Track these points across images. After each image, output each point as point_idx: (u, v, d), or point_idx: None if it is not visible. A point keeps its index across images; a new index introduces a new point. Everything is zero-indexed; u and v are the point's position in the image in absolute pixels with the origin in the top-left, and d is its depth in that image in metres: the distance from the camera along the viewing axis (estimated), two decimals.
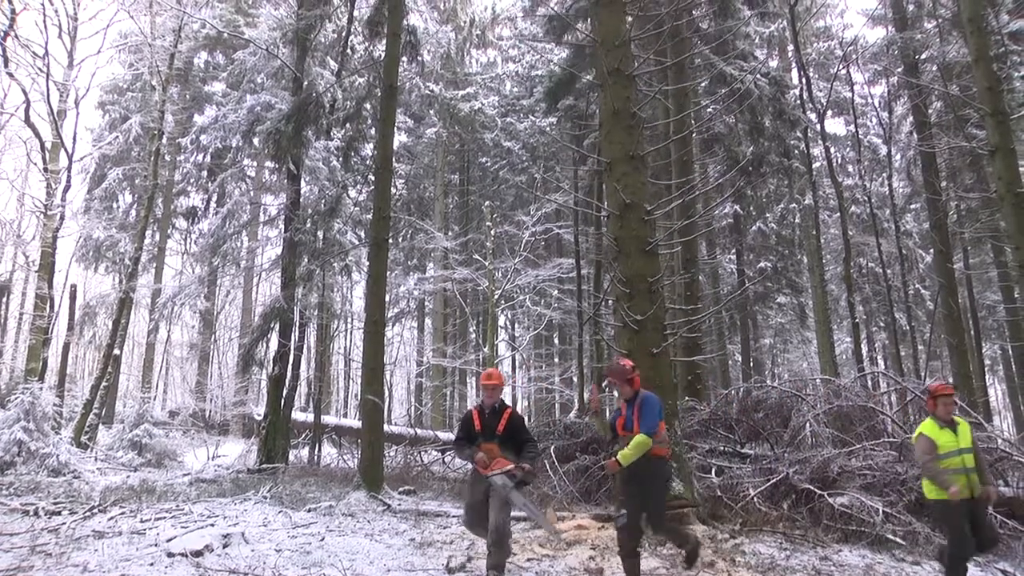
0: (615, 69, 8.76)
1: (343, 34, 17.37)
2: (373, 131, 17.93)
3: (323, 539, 7.49)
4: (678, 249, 13.65)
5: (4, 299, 30.46)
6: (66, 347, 19.14)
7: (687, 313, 13.21)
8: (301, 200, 16.32)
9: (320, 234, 16.18)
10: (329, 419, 19.04)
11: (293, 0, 17.11)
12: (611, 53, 8.86)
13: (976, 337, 22.37)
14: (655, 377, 8.11)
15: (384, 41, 13.60)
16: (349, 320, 30.92)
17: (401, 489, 11.41)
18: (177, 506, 9.34)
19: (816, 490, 7.90)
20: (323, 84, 16.49)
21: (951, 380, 20.69)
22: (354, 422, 17.95)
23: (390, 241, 12.20)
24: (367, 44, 17.78)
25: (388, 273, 13.60)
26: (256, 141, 17.73)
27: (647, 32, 10.81)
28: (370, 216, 13.97)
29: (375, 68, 16.66)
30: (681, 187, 12.94)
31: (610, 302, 10.05)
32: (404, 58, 15.57)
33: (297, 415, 17.14)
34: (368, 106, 17.64)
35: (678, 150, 14.68)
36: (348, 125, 17.23)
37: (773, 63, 23.49)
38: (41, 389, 13.57)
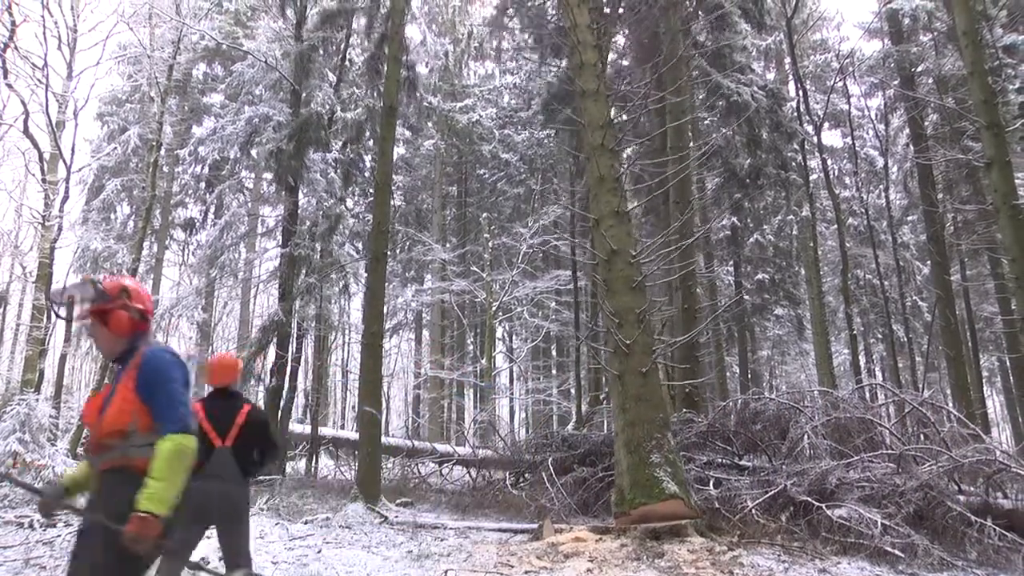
0: (600, 144, 9.79)
1: (341, 46, 17.44)
2: (372, 142, 17.98)
3: (320, 551, 7.46)
4: (676, 280, 13.77)
5: (1, 310, 30.40)
6: (63, 358, 19.06)
7: (685, 330, 13.34)
8: (299, 212, 16.34)
9: (318, 246, 16.20)
10: (326, 431, 18.96)
11: (291, 13, 17.16)
12: (596, 132, 9.89)
13: (974, 349, 22.38)
14: (646, 393, 8.53)
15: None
16: (347, 332, 30.88)
17: (398, 501, 11.38)
18: None
19: (814, 502, 7.87)
20: (321, 96, 16.53)
21: (949, 392, 20.72)
22: (351, 434, 17.88)
23: (388, 253, 12.31)
24: (365, 56, 17.83)
25: (386, 285, 13.65)
26: (254, 152, 17.75)
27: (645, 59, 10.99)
28: (368, 228, 14.06)
29: (372, 82, 16.81)
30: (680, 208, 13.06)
31: (601, 320, 10.56)
32: (402, 94, 15.85)
33: (295, 427, 17.09)
34: (368, 122, 17.69)
35: (676, 171, 14.74)
36: (349, 148, 17.33)
37: (770, 75, 23.61)
38: (37, 400, 13.52)
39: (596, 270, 9.82)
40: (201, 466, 4.17)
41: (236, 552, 4.61)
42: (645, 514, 7.84)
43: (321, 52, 17.36)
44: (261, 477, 14.04)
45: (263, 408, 15.99)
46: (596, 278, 9.98)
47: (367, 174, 18.48)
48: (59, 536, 7.82)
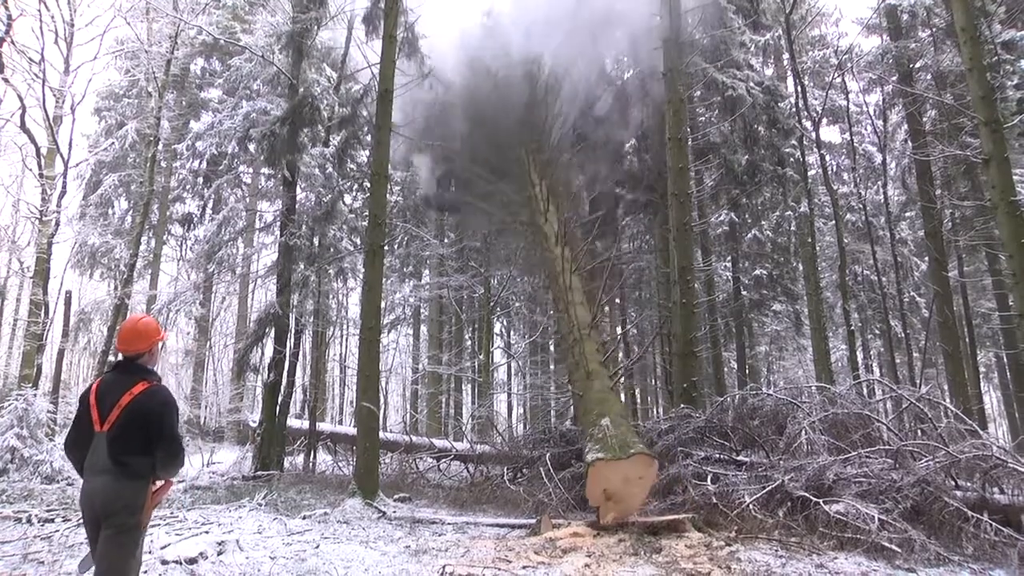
0: (563, 235, 12.01)
1: (342, 40, 17.38)
2: (369, 137, 17.93)
3: (318, 546, 7.47)
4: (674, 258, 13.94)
5: None
6: (60, 353, 19.04)
7: (683, 324, 13.44)
8: (297, 207, 16.31)
9: (316, 240, 16.18)
10: (324, 426, 18.99)
11: (289, 7, 17.13)
12: (560, 280, 11.84)
13: (971, 345, 22.41)
14: (584, 406, 10.12)
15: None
16: (345, 327, 30.87)
17: (396, 496, 11.38)
18: (171, 513, 9.31)
19: (812, 497, 7.89)
20: (319, 90, 16.49)
21: (946, 388, 20.75)
22: (349, 429, 17.91)
23: (386, 248, 12.18)
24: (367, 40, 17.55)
25: (384, 280, 13.57)
26: (252, 147, 17.71)
27: None
28: (366, 222, 13.95)
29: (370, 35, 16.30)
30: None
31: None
32: (402, 55, 14.74)
33: (292, 422, 17.11)
34: (365, 112, 17.60)
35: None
36: (343, 129, 17.15)
37: (768, 72, 23.59)
38: (35, 395, 13.53)
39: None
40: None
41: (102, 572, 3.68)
42: (595, 480, 8.05)
43: (319, 45, 17.24)
44: (259, 474, 14.05)
45: (266, 400, 15.98)
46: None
47: (364, 168, 18.45)
48: (57, 531, 7.82)
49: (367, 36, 15.78)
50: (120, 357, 4.04)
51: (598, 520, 8.15)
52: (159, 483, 3.91)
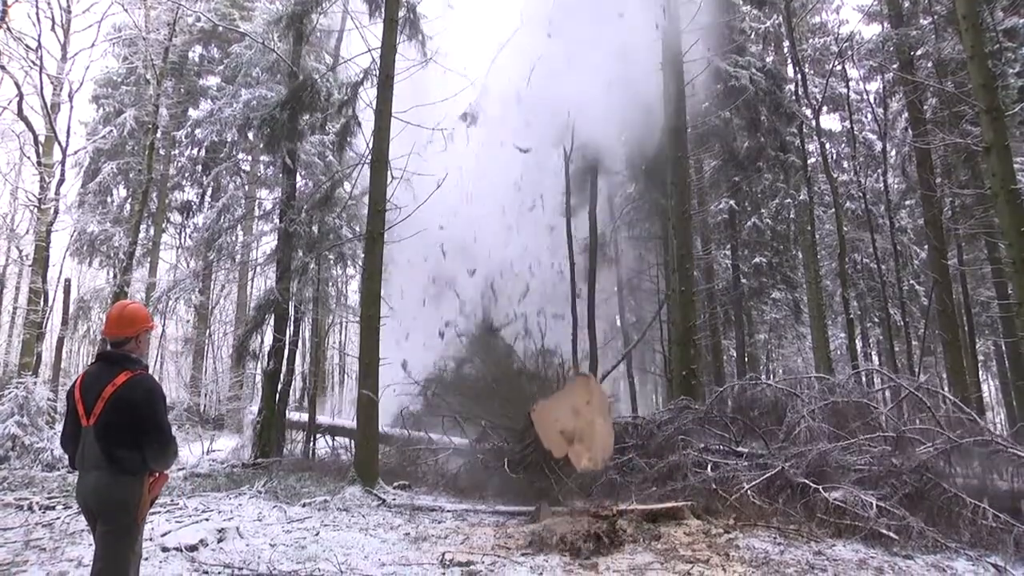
0: None
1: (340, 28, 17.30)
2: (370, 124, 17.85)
3: (318, 533, 7.49)
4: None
5: None
6: (60, 341, 19.09)
7: (681, 313, 13.39)
8: (297, 195, 16.28)
9: (315, 228, 16.14)
10: (323, 418, 18.91)
11: None
12: None
13: (970, 333, 22.42)
14: None
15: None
16: (345, 315, 30.87)
17: (396, 484, 11.40)
18: (172, 501, 9.34)
19: (811, 484, 7.91)
20: (319, 77, 16.45)
21: (945, 376, 20.79)
22: (348, 422, 17.89)
23: (384, 234, 12.06)
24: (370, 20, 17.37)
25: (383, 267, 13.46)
26: (251, 135, 17.65)
27: None
28: (365, 210, 13.85)
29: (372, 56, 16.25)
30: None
31: None
32: (403, 36, 14.04)
33: (291, 414, 17.05)
34: (364, 95, 17.50)
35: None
36: (343, 110, 17.02)
37: (769, 58, 23.52)
38: (35, 383, 13.56)
39: None
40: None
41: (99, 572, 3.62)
42: (544, 428, 7.78)
43: (319, 33, 17.14)
44: (258, 460, 14.07)
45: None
46: None
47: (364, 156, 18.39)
48: (58, 518, 7.85)
49: (370, 17, 15.13)
50: (108, 346, 3.91)
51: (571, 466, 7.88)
52: (154, 476, 3.80)
